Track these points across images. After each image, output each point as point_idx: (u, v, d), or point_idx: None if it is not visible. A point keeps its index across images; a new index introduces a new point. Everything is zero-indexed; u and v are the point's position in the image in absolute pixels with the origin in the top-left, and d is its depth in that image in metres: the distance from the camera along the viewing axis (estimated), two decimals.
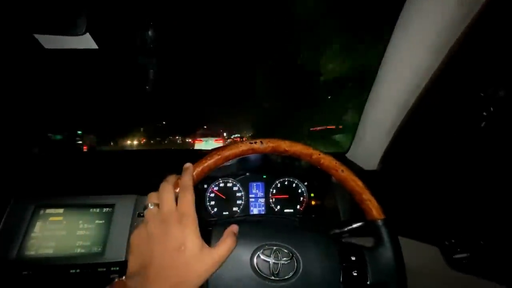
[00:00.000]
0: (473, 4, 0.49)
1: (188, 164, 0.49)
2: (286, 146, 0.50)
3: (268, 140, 0.50)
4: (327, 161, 0.51)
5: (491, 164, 0.70)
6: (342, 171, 0.50)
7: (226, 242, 0.43)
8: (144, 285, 0.37)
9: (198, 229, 0.41)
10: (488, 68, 0.63)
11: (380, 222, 0.49)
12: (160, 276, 0.37)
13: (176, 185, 0.45)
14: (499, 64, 0.63)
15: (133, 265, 0.40)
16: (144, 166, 0.92)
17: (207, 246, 0.41)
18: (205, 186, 0.94)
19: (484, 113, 0.94)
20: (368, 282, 0.47)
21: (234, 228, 0.47)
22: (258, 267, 0.46)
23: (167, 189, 0.44)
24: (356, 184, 0.50)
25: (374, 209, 0.50)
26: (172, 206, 0.42)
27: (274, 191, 0.97)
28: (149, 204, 0.43)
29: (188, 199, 0.42)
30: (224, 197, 0.94)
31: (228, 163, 0.53)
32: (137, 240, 0.42)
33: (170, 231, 0.39)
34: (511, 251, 0.52)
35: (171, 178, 0.47)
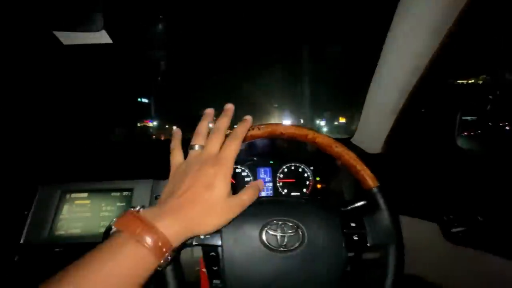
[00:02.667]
0: None
1: (248, 116, 0.50)
2: (281, 129, 0.53)
3: (265, 126, 0.54)
4: (322, 139, 0.54)
5: (490, 144, 0.72)
6: (336, 146, 0.54)
7: (248, 192, 0.45)
8: (163, 213, 0.36)
9: (230, 176, 0.42)
10: (488, 48, 0.64)
11: (375, 189, 0.53)
12: (182, 207, 0.38)
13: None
14: (498, 44, 0.64)
15: (163, 196, 0.41)
16: (159, 153, 0.97)
17: (230, 194, 0.42)
18: None
19: (490, 96, 0.95)
20: (368, 244, 0.51)
21: (258, 182, 0.49)
22: (267, 241, 0.50)
23: (216, 134, 0.45)
24: (349, 157, 0.54)
25: (368, 178, 0.53)
26: (215, 150, 0.43)
27: (281, 175, 1.01)
28: (196, 146, 0.45)
29: (232, 148, 0.44)
30: (234, 182, 0.99)
31: None
32: (174, 173, 0.44)
33: (204, 170, 0.40)
34: (506, 226, 0.55)
35: (225, 124, 0.47)
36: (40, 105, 1.00)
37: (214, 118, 0.51)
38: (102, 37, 0.63)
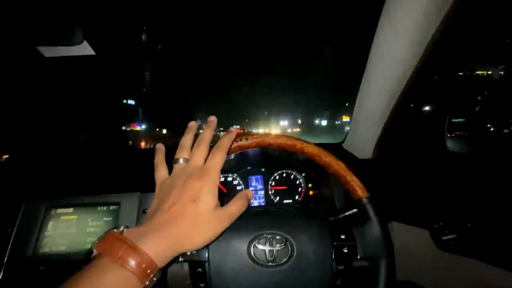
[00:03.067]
0: None
1: (233, 128, 0.50)
2: (270, 140, 0.53)
3: (253, 136, 0.53)
4: (311, 149, 0.54)
5: (480, 150, 0.72)
6: (325, 156, 0.53)
7: (237, 203, 0.44)
8: (148, 231, 0.35)
9: (216, 189, 0.41)
10: (472, 52, 0.64)
11: (365, 200, 0.52)
12: (168, 223, 0.36)
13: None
14: (482, 47, 0.65)
15: (149, 212, 0.40)
16: (146, 165, 0.96)
17: (220, 205, 0.42)
18: None
19: (478, 97, 0.95)
20: (358, 257, 0.51)
21: (247, 192, 0.48)
22: (255, 256, 0.49)
23: (200, 146, 0.44)
24: (339, 167, 0.53)
25: (358, 188, 0.53)
26: (200, 162, 0.43)
27: (273, 183, 1.00)
28: (180, 159, 0.44)
29: (217, 159, 0.43)
30: (225, 190, 0.98)
31: (226, 159, 0.56)
32: (159, 188, 0.43)
33: (190, 183, 0.39)
34: (495, 233, 0.55)
35: (208, 136, 0.46)
36: (22, 116, 0.98)
37: (200, 132, 0.50)
38: (84, 49, 0.62)
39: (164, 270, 0.37)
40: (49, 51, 0.64)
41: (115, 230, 0.36)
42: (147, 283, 0.33)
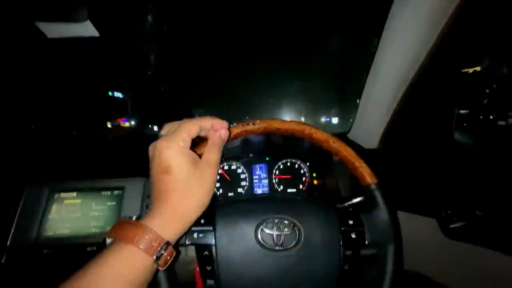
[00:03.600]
0: None
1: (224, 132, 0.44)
2: (277, 124, 0.51)
3: (260, 121, 0.52)
4: (319, 134, 0.53)
5: (488, 139, 0.71)
6: (334, 142, 0.52)
7: (211, 150, 0.41)
8: (150, 212, 0.36)
9: (185, 146, 0.38)
10: (486, 42, 0.63)
11: (373, 186, 0.52)
12: (160, 202, 0.36)
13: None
14: (496, 38, 0.63)
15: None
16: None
17: (195, 166, 0.39)
18: None
19: (487, 90, 0.94)
20: (366, 242, 0.50)
21: (219, 133, 0.43)
22: (262, 240, 0.49)
23: (180, 123, 0.40)
24: (348, 153, 0.52)
25: (366, 174, 0.52)
26: (168, 133, 0.40)
27: (277, 172, 0.99)
28: (159, 135, 0.41)
29: (184, 125, 0.40)
30: (229, 178, 0.97)
31: (230, 147, 0.55)
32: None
33: (159, 154, 0.37)
34: (505, 220, 0.54)
35: (186, 120, 0.41)
36: (24, 100, 0.96)
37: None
38: (87, 29, 0.61)
39: (176, 249, 0.37)
40: (50, 29, 0.62)
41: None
42: (160, 260, 0.34)
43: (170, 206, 0.36)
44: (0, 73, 0.79)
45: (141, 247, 0.32)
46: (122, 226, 0.34)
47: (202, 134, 0.43)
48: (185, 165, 0.37)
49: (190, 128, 0.39)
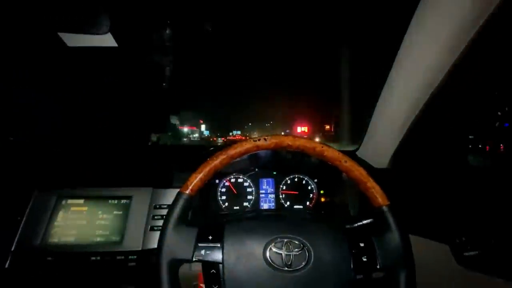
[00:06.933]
0: (486, 4, 0.49)
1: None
2: (289, 141, 0.52)
3: (272, 137, 0.52)
4: (331, 152, 0.52)
5: (502, 164, 0.70)
6: (346, 161, 0.52)
7: None
8: None
9: None
10: (502, 68, 0.62)
11: (385, 208, 0.51)
12: None
13: None
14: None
15: None
16: (160, 160, 0.95)
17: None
18: (217, 181, 0.96)
19: (499, 113, 0.93)
20: (378, 267, 0.49)
21: None
22: (271, 259, 0.48)
23: None
24: (360, 173, 0.52)
25: (378, 195, 0.51)
26: None
27: (284, 187, 0.98)
28: None
29: None
30: (235, 192, 0.96)
31: (238, 160, 0.55)
32: None
33: None
34: None
35: None
36: (42, 105, 0.98)
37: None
38: (107, 40, 0.62)
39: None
40: (72, 39, 0.64)
41: None
42: None
43: None
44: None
45: None
46: None
47: None
48: None
49: None
